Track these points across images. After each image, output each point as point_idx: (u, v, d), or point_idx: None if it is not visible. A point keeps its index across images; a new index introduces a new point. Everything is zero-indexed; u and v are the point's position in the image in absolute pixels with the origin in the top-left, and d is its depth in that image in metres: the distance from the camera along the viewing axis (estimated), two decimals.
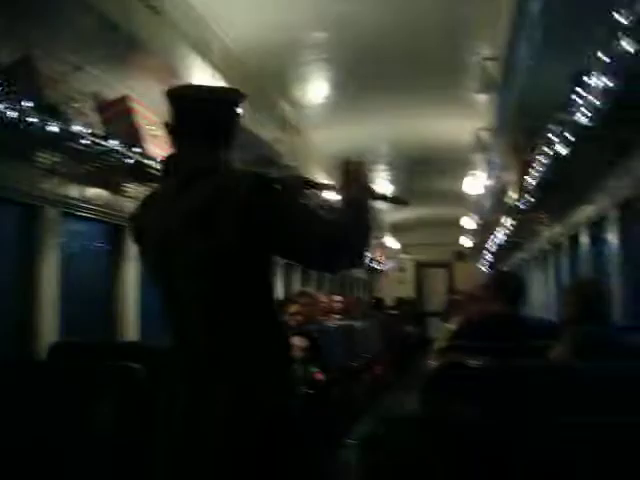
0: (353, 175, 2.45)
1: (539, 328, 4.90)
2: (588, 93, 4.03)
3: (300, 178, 2.86)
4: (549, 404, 2.94)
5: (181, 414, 2.25)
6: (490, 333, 4.23)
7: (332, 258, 2.34)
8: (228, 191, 2.21)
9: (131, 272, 5.69)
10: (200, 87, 2.63)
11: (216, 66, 5.87)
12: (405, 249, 20.41)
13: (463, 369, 3.18)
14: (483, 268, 16.72)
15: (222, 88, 2.69)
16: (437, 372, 3.23)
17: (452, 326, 5.73)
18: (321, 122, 8.93)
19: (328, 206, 6.78)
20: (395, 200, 2.79)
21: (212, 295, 2.26)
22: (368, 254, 3.05)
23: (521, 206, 7.59)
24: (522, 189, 7.36)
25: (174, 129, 2.42)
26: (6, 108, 3.66)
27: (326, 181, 2.76)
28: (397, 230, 18.98)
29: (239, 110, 2.44)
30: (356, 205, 2.38)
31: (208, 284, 2.25)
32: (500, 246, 11.88)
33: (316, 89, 7.91)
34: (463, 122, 8.56)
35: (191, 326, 2.30)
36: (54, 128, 4.01)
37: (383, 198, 2.61)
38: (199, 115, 2.36)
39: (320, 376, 5.25)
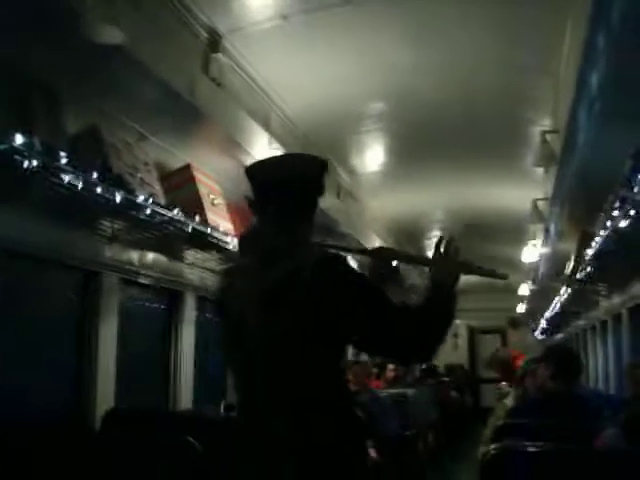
0: (446, 253, 2.41)
1: (598, 407, 4.78)
2: None
3: (385, 250, 2.77)
4: None
5: None
6: (548, 412, 4.14)
7: (404, 352, 2.32)
8: (297, 274, 2.20)
9: (187, 338, 5.73)
10: (281, 162, 2.58)
11: (275, 135, 5.96)
12: (458, 314, 20.14)
13: (522, 454, 3.11)
14: (538, 335, 16.42)
15: (303, 158, 2.57)
16: (495, 457, 3.15)
17: (508, 402, 5.61)
18: (377, 189, 8.98)
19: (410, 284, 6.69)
20: (492, 274, 2.59)
21: (282, 376, 2.24)
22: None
23: (578, 276, 7.46)
24: (580, 259, 7.25)
25: (254, 205, 2.42)
26: (73, 179, 3.73)
27: (413, 254, 2.67)
28: None
29: (321, 182, 2.43)
30: (443, 295, 2.35)
31: (278, 365, 2.24)
32: (556, 314, 11.67)
33: (373, 157, 7.98)
34: (520, 191, 8.52)
35: (260, 404, 2.27)
36: (118, 198, 4.08)
37: (479, 272, 2.52)
38: (281, 192, 2.35)
39: (372, 452, 5.13)
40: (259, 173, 2.43)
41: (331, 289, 2.18)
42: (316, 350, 2.21)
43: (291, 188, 2.35)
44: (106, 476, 3.32)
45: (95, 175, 3.92)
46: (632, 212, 4.80)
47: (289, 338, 2.20)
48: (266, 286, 2.24)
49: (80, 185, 3.81)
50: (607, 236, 5.63)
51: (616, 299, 8.01)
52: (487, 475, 3.13)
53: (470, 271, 2.48)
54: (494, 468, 3.11)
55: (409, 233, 11.75)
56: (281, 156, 2.70)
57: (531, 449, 3.11)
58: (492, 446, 3.23)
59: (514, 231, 10.90)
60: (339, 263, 2.26)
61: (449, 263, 2.40)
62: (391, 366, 10.99)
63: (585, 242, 6.85)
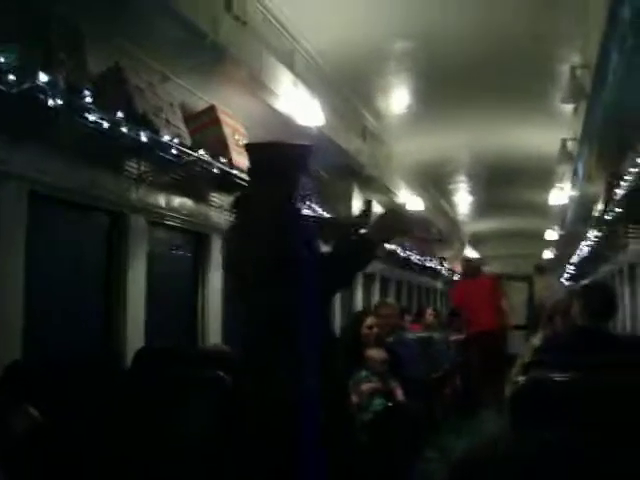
0: (390, 223, 3.08)
1: (629, 345, 4.75)
2: None
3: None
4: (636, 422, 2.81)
5: None
6: (576, 348, 4.11)
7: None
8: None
9: (214, 279, 5.75)
10: (274, 145, 3.19)
11: (300, 76, 5.90)
12: (484, 261, 20.10)
13: (549, 385, 3.09)
14: (564, 281, 16.37)
15: (292, 145, 3.17)
16: (523, 388, 3.14)
17: (537, 341, 5.60)
18: (403, 132, 8.86)
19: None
20: (426, 237, 3.35)
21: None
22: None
23: (607, 217, 7.38)
24: (609, 200, 7.16)
25: (250, 174, 3.14)
26: (98, 118, 3.72)
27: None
28: (477, 241, 18.74)
29: (305, 163, 3.05)
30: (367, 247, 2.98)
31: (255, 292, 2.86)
32: (583, 258, 11.60)
33: (399, 99, 7.86)
34: (548, 132, 8.38)
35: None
36: (144, 138, 4.07)
37: (413, 235, 3.59)
38: (270, 168, 2.95)
39: (399, 392, 5.16)
40: (255, 151, 3.12)
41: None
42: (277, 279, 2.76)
43: (280, 170, 2.94)
44: (138, 411, 3.36)
45: (120, 114, 3.91)
46: None
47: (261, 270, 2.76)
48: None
49: (105, 124, 3.81)
50: (636, 174, 5.56)
51: None
52: (516, 407, 3.12)
53: (405, 234, 3.41)
54: (522, 400, 3.10)
55: (435, 177, 11.65)
56: (275, 142, 3.27)
57: (559, 379, 3.09)
58: (520, 378, 3.22)
59: (541, 174, 10.76)
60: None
61: (386, 226, 3.06)
62: (430, 310, 11.01)
63: (614, 183, 6.77)
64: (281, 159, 2.99)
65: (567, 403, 2.84)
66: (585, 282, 13.81)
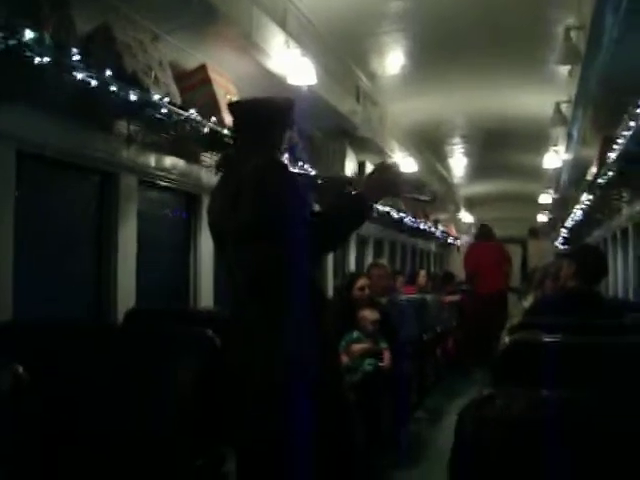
0: (380, 179, 2.90)
1: (618, 308, 4.78)
2: None
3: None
4: (623, 382, 2.83)
5: None
6: (565, 310, 4.12)
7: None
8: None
9: (207, 240, 5.73)
10: (255, 101, 3.08)
11: (292, 35, 5.84)
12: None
13: (533, 345, 3.11)
14: (557, 245, 16.39)
15: (274, 100, 3.06)
16: (509, 348, 3.16)
17: (526, 304, 5.63)
18: (397, 94, 8.80)
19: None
20: (418, 199, 3.40)
21: (247, 265, 2.77)
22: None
23: (600, 181, 7.37)
24: (602, 164, 7.15)
25: (234, 133, 3.09)
26: (86, 77, 3.68)
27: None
28: (471, 204, 18.73)
29: (288, 116, 2.97)
30: (358, 207, 2.85)
31: (244, 256, 2.77)
32: (577, 223, 11.60)
33: (393, 60, 7.80)
34: (542, 94, 8.33)
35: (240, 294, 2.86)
36: (133, 97, 4.03)
37: (406, 196, 3.31)
38: (253, 125, 2.88)
39: (387, 355, 5.17)
40: (237, 108, 3.05)
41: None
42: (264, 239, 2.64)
43: (263, 126, 2.88)
44: (128, 369, 3.37)
45: (109, 73, 3.86)
46: None
47: (246, 229, 2.65)
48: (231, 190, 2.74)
49: (93, 83, 3.76)
50: (630, 137, 5.53)
51: (638, 205, 7.92)
52: (500, 368, 3.14)
53: (397, 195, 3.22)
54: (507, 361, 3.12)
55: (430, 139, 11.60)
56: (256, 98, 3.12)
57: (547, 340, 3.11)
58: (507, 339, 3.23)
59: (536, 137, 10.72)
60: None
61: (379, 184, 2.89)
62: (423, 272, 11.08)
63: (608, 147, 6.75)
64: (263, 114, 2.91)
65: (550, 363, 2.86)
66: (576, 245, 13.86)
